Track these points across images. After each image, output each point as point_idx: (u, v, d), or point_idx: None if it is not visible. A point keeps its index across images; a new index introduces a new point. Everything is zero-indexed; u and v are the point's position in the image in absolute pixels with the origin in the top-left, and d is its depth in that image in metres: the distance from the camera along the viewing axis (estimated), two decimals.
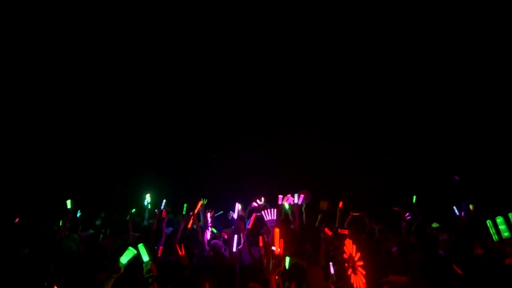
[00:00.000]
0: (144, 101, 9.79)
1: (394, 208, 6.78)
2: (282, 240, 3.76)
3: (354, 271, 3.76)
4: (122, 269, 3.66)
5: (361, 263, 3.74)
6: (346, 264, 3.84)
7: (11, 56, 8.08)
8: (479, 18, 7.24)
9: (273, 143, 10.95)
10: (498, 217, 4.01)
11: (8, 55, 8.02)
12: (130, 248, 3.78)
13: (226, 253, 5.85)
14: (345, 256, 3.88)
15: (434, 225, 6.56)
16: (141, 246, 3.83)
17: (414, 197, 7.30)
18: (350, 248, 3.91)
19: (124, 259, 3.71)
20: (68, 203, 6.53)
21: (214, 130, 11.02)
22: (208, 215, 6.88)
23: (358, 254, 3.80)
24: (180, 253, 4.53)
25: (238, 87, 9.57)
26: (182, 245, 4.65)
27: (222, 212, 8.46)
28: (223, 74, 9.18)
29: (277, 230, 3.83)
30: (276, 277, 3.64)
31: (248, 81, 9.39)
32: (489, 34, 7.51)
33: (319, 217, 7.24)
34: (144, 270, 3.72)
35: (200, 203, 7.00)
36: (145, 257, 3.80)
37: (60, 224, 6.24)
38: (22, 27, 7.57)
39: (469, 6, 7.12)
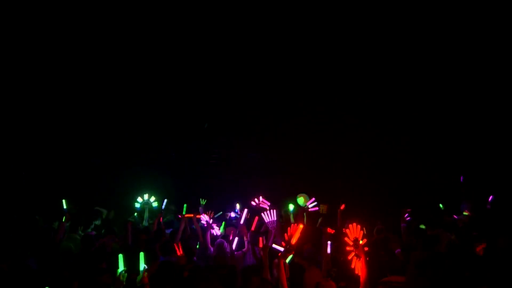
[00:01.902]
0: (144, 101, 9.78)
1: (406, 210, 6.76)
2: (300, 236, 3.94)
3: (358, 256, 3.75)
4: (124, 281, 3.72)
5: (366, 248, 3.77)
6: (348, 248, 3.83)
7: (11, 56, 8.08)
8: (482, 19, 7.22)
9: (274, 144, 10.94)
10: None
11: (8, 55, 8.02)
12: (119, 255, 3.84)
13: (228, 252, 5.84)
14: (349, 241, 3.87)
15: (421, 226, 6.48)
16: (142, 255, 3.89)
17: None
18: (355, 232, 3.88)
19: (120, 266, 3.76)
20: (64, 203, 6.50)
21: (214, 130, 11.01)
22: (206, 217, 6.79)
23: (365, 240, 3.81)
24: (178, 252, 4.50)
25: (238, 87, 9.56)
26: (180, 244, 4.62)
27: (221, 212, 8.44)
28: (223, 74, 9.18)
29: (301, 226, 4.01)
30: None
31: (249, 81, 9.38)
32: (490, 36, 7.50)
33: (319, 220, 7.26)
34: (138, 278, 3.78)
35: (193, 215, 6.95)
36: (142, 266, 3.85)
37: (64, 222, 6.22)
38: (22, 27, 7.57)
39: (471, 6, 7.12)
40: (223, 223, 7.15)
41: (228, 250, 5.84)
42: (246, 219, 6.50)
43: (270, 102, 10.01)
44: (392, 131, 9.85)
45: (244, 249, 5.94)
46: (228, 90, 9.65)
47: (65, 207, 6.47)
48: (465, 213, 6.92)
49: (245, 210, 6.66)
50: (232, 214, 8.29)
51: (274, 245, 4.97)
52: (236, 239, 6.21)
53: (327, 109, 9.93)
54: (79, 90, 9.20)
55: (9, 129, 9.46)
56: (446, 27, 7.60)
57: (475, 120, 9.03)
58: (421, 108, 9.36)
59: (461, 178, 7.90)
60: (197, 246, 6.34)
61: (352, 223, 3.98)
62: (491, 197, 7.09)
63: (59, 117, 9.76)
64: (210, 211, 7.11)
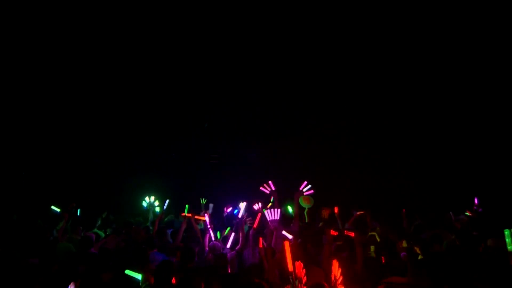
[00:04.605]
0: (144, 101, 9.79)
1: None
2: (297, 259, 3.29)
3: None
4: None
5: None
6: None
7: (11, 56, 8.08)
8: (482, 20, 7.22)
9: (274, 144, 10.94)
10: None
11: (8, 55, 8.02)
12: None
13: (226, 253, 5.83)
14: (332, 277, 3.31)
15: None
16: (128, 272, 3.97)
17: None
18: (335, 270, 3.29)
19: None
20: (54, 208, 6.53)
21: (214, 130, 11.01)
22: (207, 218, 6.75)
23: (341, 278, 3.21)
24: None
25: (239, 87, 9.56)
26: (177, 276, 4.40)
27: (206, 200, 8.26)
28: (224, 74, 9.17)
29: (287, 244, 3.41)
30: None
31: (249, 81, 9.38)
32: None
33: (320, 224, 7.26)
34: (141, 281, 3.84)
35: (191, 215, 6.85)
36: (138, 276, 3.93)
37: (60, 225, 6.22)
38: (22, 27, 7.57)
39: (470, 7, 7.11)
40: (228, 228, 7.10)
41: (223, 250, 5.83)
42: (244, 215, 6.48)
43: (270, 102, 10.01)
44: (393, 131, 9.85)
45: (237, 247, 5.90)
46: (228, 90, 9.65)
47: (57, 210, 6.49)
48: (466, 213, 6.94)
49: (244, 204, 6.62)
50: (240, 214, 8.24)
51: (284, 232, 4.94)
52: (233, 235, 6.16)
53: (327, 109, 9.93)
54: (80, 90, 9.21)
55: (9, 129, 9.46)
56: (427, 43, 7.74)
57: (476, 122, 9.02)
58: (422, 109, 9.36)
59: (476, 200, 7.34)
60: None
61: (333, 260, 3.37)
62: (476, 199, 7.08)
63: (60, 117, 9.77)
64: (206, 212, 7.04)
